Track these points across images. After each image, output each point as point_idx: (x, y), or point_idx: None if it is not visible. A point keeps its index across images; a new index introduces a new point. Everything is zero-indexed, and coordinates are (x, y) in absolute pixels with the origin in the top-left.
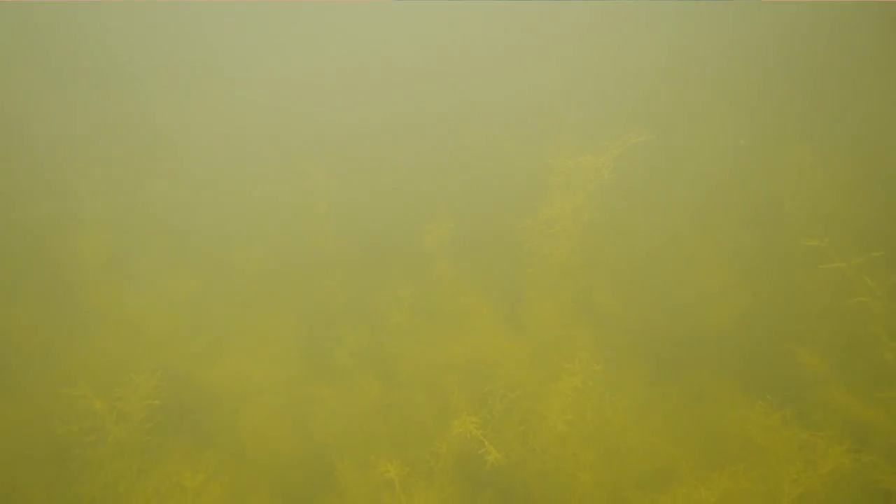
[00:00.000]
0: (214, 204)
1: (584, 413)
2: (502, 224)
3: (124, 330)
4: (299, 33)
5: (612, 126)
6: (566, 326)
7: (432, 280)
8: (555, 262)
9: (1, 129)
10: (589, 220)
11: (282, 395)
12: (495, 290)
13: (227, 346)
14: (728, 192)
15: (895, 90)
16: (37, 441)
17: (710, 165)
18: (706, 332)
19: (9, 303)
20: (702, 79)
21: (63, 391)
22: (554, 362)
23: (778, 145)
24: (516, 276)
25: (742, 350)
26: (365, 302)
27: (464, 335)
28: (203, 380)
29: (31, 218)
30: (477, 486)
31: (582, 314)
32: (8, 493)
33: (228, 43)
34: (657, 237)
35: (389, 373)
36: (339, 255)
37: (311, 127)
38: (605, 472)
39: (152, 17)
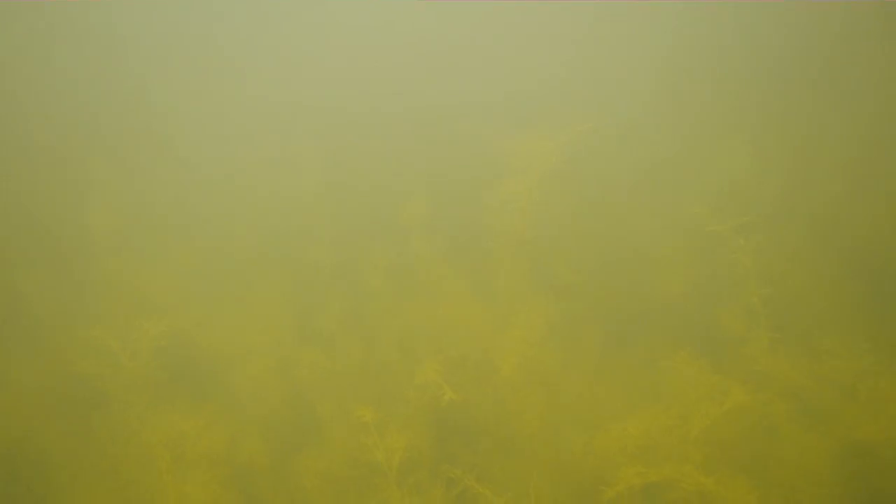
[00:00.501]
0: (214, 185)
1: (533, 365)
2: (467, 203)
3: (131, 294)
4: (288, 29)
5: (561, 116)
6: (522, 292)
7: (408, 253)
8: (512, 236)
9: (14, 110)
10: (541, 199)
11: (272, 354)
12: (462, 262)
13: (224, 312)
14: (662, 174)
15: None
16: (59, 375)
17: (649, 150)
18: (645, 297)
19: (32, 266)
20: (646, 73)
21: (81, 332)
22: (510, 322)
23: (712, 136)
24: (480, 248)
25: (672, 310)
26: (347, 273)
27: (434, 301)
28: (202, 340)
29: (48, 194)
30: (438, 423)
31: (537, 282)
32: (34, 422)
33: (226, 34)
34: (602, 214)
35: (368, 335)
36: (325, 232)
37: (303, 117)
38: (549, 413)
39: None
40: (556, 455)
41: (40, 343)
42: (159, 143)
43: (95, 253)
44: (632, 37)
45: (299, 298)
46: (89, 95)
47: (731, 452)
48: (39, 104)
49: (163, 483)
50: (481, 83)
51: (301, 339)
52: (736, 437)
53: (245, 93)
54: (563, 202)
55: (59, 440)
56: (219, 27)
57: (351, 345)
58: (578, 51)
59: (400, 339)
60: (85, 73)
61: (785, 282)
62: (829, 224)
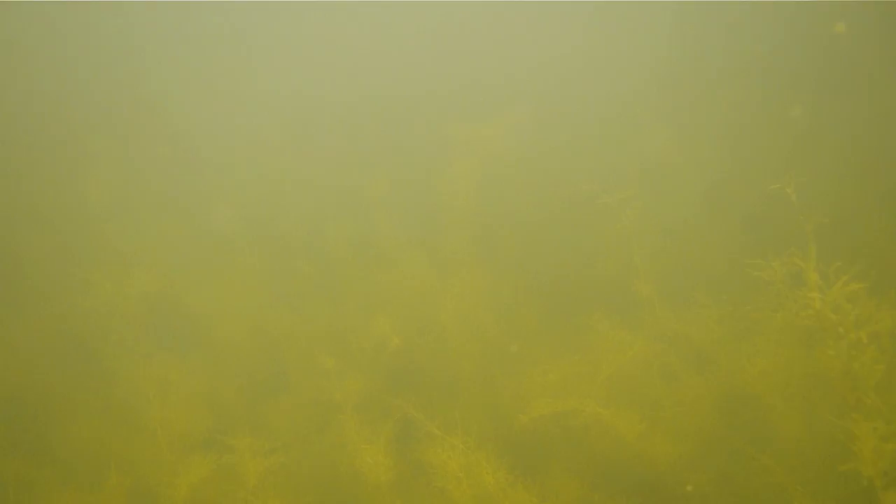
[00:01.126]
0: (203, 163)
1: (472, 322)
2: (420, 183)
3: (123, 258)
4: (263, 21)
5: (502, 107)
6: (467, 260)
7: (369, 227)
8: (459, 212)
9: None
10: (483, 180)
11: (248, 314)
12: (416, 234)
13: (206, 278)
14: (582, 158)
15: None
16: (57, 327)
17: (576, 134)
18: (567, 264)
19: (36, 228)
20: (578, 67)
21: (77, 290)
22: (455, 285)
23: (627, 123)
24: (432, 222)
25: (589, 276)
26: (315, 244)
27: (391, 268)
28: (188, 301)
29: (48, 165)
30: (389, 370)
31: (479, 251)
32: (35, 367)
33: (226, 30)
34: (533, 194)
35: (332, 298)
36: (295, 208)
37: (277, 105)
38: (480, 359)
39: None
40: (487, 396)
41: (40, 300)
42: (157, 123)
43: (90, 220)
44: (562, 34)
45: (272, 266)
46: (89, 73)
47: (629, 392)
48: (40, 81)
49: (150, 417)
50: (435, 78)
51: (273, 301)
52: (635, 380)
53: (235, 91)
54: (501, 183)
55: (57, 383)
56: (221, 23)
57: (317, 307)
58: (517, 49)
59: (360, 301)
60: (87, 53)
61: (676, 248)
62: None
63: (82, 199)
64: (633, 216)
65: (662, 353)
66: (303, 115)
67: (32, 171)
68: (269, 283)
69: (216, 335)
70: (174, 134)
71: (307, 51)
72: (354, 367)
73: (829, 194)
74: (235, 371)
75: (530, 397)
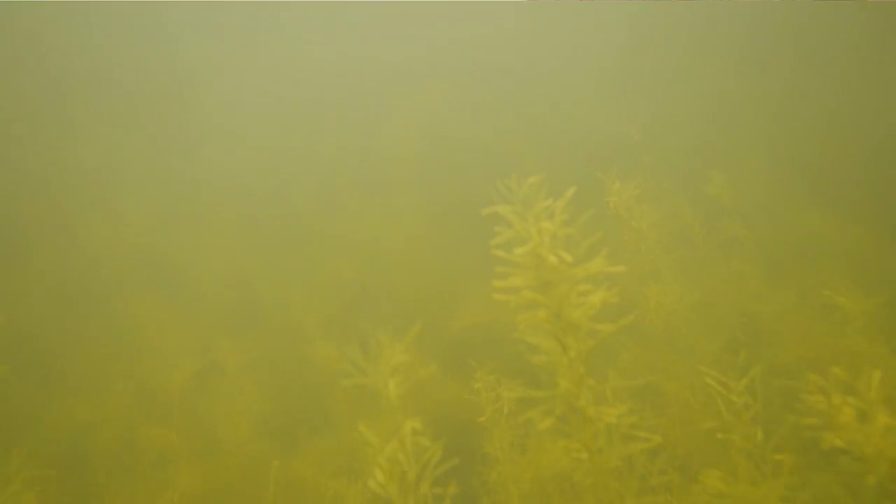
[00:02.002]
0: (193, 128)
1: (414, 252)
2: (368, 146)
3: (119, 215)
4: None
5: (435, 77)
6: (409, 201)
7: (328, 181)
8: (403, 161)
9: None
10: (422, 135)
11: (228, 260)
12: (366, 182)
13: (192, 230)
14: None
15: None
16: (58, 276)
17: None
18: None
19: (34, 190)
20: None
21: (80, 241)
22: (399, 222)
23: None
24: (379, 172)
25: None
26: (282, 199)
27: (346, 214)
28: (173, 253)
29: (39, 126)
30: (348, 296)
31: (419, 193)
32: (41, 313)
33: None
34: (457, 150)
35: (300, 248)
36: (261, 165)
37: (253, 80)
38: (421, 285)
39: None
40: (425, 312)
41: (53, 250)
42: (155, 90)
43: (85, 182)
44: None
45: (247, 219)
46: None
47: None
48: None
49: (147, 339)
50: (384, 51)
51: (248, 248)
52: None
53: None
54: (436, 139)
55: (67, 318)
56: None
57: (285, 252)
58: (449, 27)
59: (322, 245)
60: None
61: None
62: None
63: (77, 165)
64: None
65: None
66: (277, 89)
67: (35, 136)
68: (245, 233)
69: (200, 276)
70: (171, 104)
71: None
72: (318, 297)
73: None
74: (216, 305)
75: (461, 311)
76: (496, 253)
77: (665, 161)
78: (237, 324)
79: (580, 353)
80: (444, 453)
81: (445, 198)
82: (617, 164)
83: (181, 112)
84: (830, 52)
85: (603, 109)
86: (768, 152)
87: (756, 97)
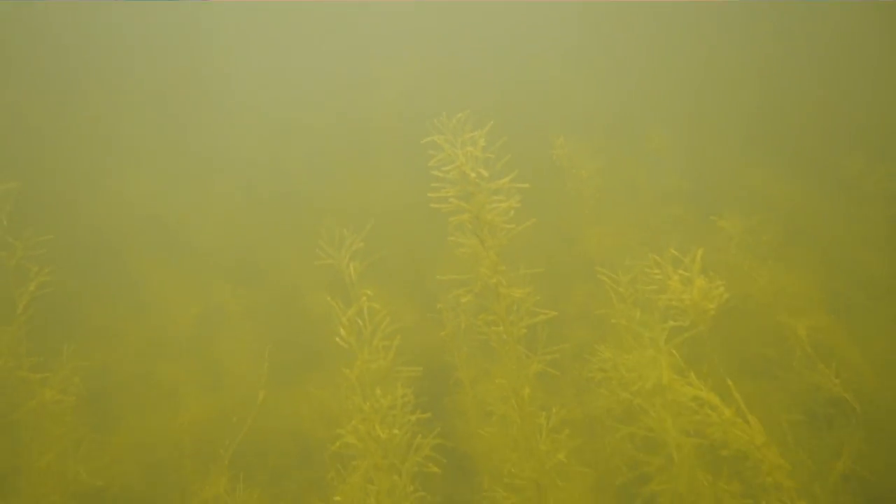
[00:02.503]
0: (198, 102)
1: (396, 211)
2: (354, 107)
3: (122, 182)
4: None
5: (410, 48)
6: (393, 152)
7: (320, 146)
8: (382, 122)
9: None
10: (397, 101)
11: (230, 226)
12: (350, 148)
13: (196, 201)
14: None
15: None
16: (80, 229)
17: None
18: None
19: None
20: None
21: (98, 200)
22: (383, 173)
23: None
24: (363, 136)
25: None
26: (277, 164)
27: (333, 169)
28: (177, 217)
29: (50, 96)
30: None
31: (397, 150)
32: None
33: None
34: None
35: (288, 200)
36: (257, 132)
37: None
38: (405, 238)
39: None
40: (408, 267)
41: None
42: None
43: (94, 149)
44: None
45: (246, 188)
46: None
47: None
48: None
49: (159, 287)
50: (358, 27)
51: (245, 211)
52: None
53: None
54: (410, 105)
55: (88, 273)
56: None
57: (278, 213)
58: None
59: (307, 196)
60: None
61: None
62: None
63: (89, 130)
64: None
65: None
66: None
67: (46, 105)
68: (244, 199)
69: (202, 238)
70: (180, 79)
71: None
72: (310, 253)
73: None
74: (217, 262)
75: (443, 267)
76: (433, 172)
77: (610, 118)
78: (237, 278)
79: (494, 246)
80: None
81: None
82: (563, 119)
83: (188, 88)
84: (771, 3)
85: (555, 71)
86: (713, 110)
87: (698, 55)
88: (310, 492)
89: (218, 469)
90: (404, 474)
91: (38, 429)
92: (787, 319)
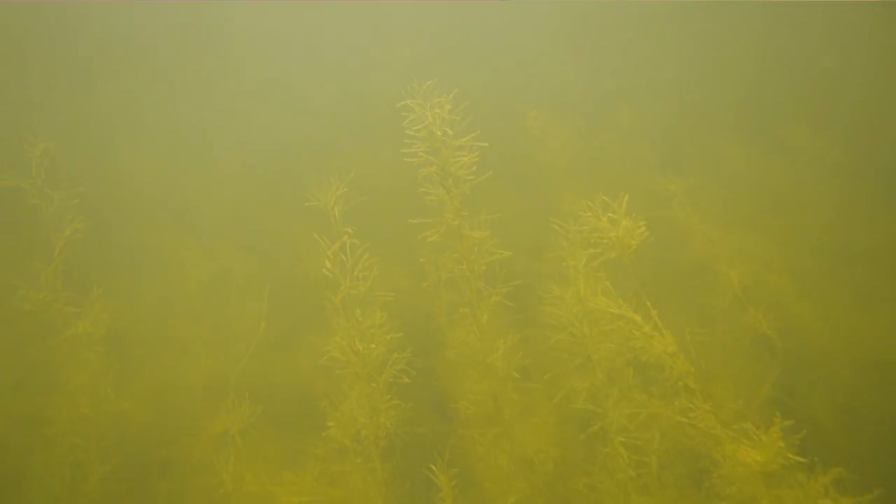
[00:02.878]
0: (204, 78)
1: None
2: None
3: (131, 154)
4: None
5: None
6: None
7: (325, 131)
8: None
9: None
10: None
11: (233, 196)
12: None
13: (200, 171)
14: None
15: None
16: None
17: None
18: None
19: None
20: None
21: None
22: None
23: None
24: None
25: None
26: (282, 148)
27: (338, 154)
28: (184, 189)
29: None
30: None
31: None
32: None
33: None
34: None
35: (296, 184)
36: (267, 122)
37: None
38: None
39: None
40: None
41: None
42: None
43: (104, 121)
44: None
45: (250, 161)
46: None
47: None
48: None
49: (173, 248)
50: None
51: (251, 187)
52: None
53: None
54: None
55: (104, 234)
56: None
57: (280, 183)
58: None
59: (306, 169)
60: None
61: None
62: None
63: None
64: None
65: None
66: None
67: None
68: (248, 172)
69: (209, 209)
70: (189, 56)
71: None
72: (308, 225)
73: None
74: (223, 231)
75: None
76: (406, 131)
77: (583, 92)
78: (242, 247)
79: (458, 195)
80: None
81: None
82: (538, 95)
83: (196, 63)
84: None
85: (534, 51)
86: (678, 88)
87: (671, 30)
88: (307, 421)
89: (226, 407)
90: (381, 384)
91: (73, 354)
92: (723, 268)
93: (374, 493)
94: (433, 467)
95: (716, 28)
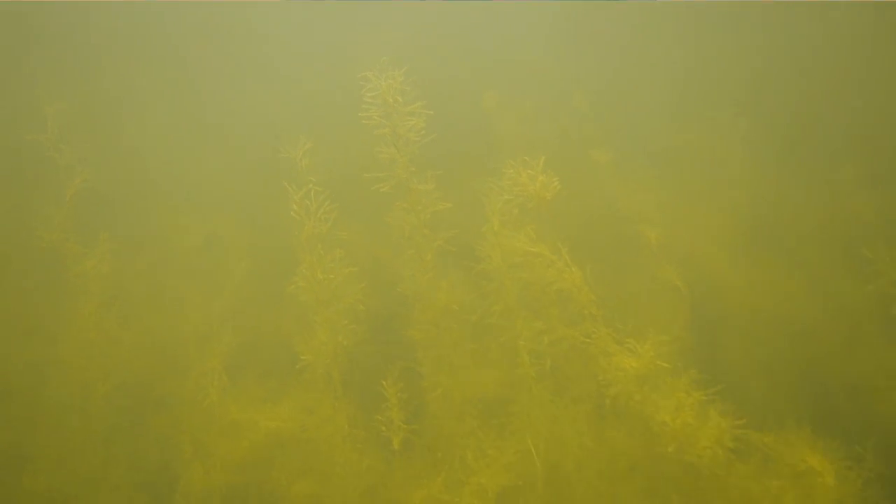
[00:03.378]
0: (206, 68)
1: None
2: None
3: (135, 137)
4: None
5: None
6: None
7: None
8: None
9: None
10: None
11: (227, 168)
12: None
13: (186, 141)
14: None
15: None
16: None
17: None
18: None
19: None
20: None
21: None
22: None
23: None
24: None
25: None
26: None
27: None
28: (180, 161)
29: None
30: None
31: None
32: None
33: None
34: None
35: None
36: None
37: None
38: None
39: None
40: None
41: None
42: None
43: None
44: None
45: (244, 149)
46: None
47: None
48: None
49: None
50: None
51: (244, 157)
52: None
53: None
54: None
55: (110, 189)
56: None
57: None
58: None
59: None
60: None
61: None
62: None
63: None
64: None
65: None
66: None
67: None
68: (242, 160)
69: (204, 180)
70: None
71: None
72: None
73: None
74: (219, 200)
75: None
76: (364, 98)
77: (544, 77)
78: (234, 213)
79: (407, 153)
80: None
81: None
82: (497, 76)
83: (197, 56)
84: None
85: (493, 35)
86: (624, 72)
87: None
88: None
89: (212, 349)
90: (339, 309)
91: (82, 286)
92: (643, 229)
93: (337, 412)
94: (384, 383)
95: (653, 21)
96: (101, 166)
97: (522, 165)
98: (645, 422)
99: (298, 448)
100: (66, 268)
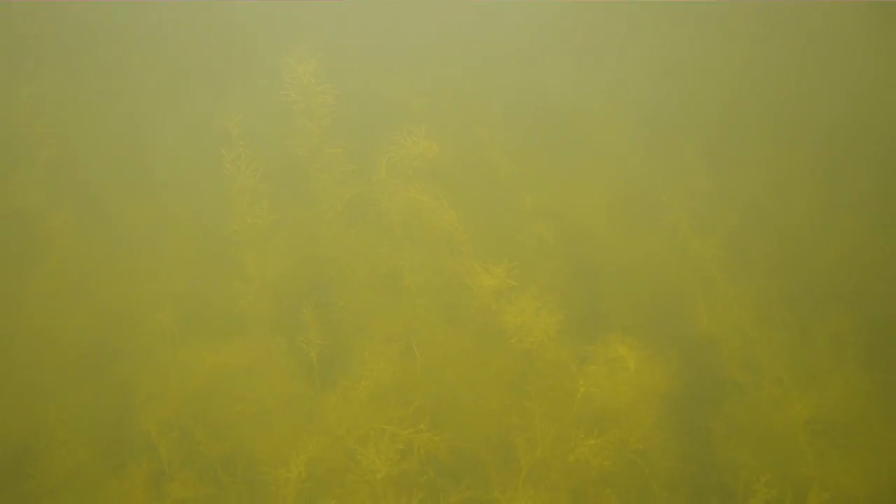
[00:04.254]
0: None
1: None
2: None
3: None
4: None
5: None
6: None
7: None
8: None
9: None
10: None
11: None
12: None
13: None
14: None
15: None
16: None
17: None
18: None
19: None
20: None
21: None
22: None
23: None
24: None
25: None
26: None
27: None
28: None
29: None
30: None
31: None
32: None
33: None
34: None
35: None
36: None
37: None
38: None
39: None
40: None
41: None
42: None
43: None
44: None
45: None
46: None
47: None
48: None
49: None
50: None
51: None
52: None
53: None
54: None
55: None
56: None
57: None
58: None
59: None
60: None
61: None
62: None
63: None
64: None
65: None
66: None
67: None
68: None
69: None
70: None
71: None
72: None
73: None
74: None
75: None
76: (284, 80)
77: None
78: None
79: (320, 124)
80: None
81: None
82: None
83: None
84: None
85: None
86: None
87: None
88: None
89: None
90: (266, 249)
91: (49, 241)
92: (521, 193)
93: (267, 339)
94: (303, 310)
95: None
96: (68, 138)
97: (409, 133)
98: (498, 323)
99: (238, 374)
100: (34, 223)
